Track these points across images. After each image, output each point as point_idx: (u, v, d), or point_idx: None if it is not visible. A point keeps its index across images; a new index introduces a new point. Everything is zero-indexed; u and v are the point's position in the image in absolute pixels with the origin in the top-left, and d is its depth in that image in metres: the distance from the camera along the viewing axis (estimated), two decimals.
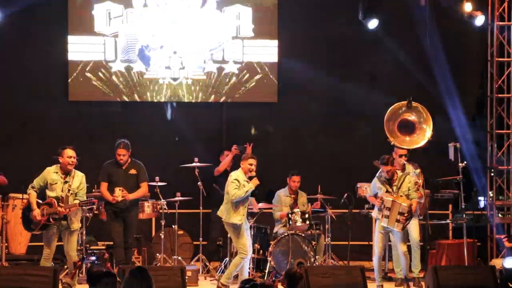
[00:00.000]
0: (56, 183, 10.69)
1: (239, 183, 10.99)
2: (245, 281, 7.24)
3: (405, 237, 11.35)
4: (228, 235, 11.68)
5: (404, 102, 12.30)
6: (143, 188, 11.80)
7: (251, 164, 11.09)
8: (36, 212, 10.62)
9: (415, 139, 12.24)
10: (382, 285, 11.39)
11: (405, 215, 11.01)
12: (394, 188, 11.23)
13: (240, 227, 11.03)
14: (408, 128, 12.27)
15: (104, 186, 11.71)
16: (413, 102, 12.28)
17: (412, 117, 12.34)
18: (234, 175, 11.11)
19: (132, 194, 11.61)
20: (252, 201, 11.91)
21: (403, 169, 11.77)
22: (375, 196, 11.32)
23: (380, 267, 11.44)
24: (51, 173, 10.74)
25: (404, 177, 11.33)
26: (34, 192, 10.73)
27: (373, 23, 13.61)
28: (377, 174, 11.42)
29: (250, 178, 11.07)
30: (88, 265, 11.58)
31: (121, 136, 11.89)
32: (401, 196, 11.18)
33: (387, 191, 11.19)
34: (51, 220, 10.61)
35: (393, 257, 11.87)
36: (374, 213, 11.41)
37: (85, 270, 11.55)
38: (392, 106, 12.30)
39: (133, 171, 11.73)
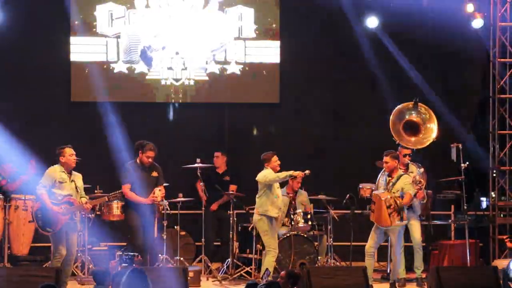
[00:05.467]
0: (65, 182, 10.60)
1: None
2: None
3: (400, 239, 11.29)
4: (230, 236, 11.68)
5: (410, 103, 12.29)
6: (163, 190, 11.57)
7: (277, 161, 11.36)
8: (57, 208, 10.42)
9: (420, 140, 12.22)
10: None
11: (392, 206, 10.92)
12: (390, 184, 11.20)
13: (273, 222, 11.12)
14: (413, 129, 12.26)
15: (128, 188, 11.33)
16: (418, 103, 12.28)
17: (417, 118, 12.31)
18: (266, 171, 11.28)
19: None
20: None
21: (406, 168, 11.76)
22: None
23: (370, 266, 11.28)
24: (58, 172, 10.61)
25: (400, 176, 11.25)
26: (46, 191, 10.54)
27: (372, 22, 13.66)
28: (382, 172, 11.39)
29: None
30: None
31: (137, 138, 11.67)
32: (393, 193, 11.06)
33: (384, 188, 11.20)
34: (74, 218, 10.55)
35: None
36: None
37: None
38: (398, 107, 12.29)
39: (155, 174, 11.47)
